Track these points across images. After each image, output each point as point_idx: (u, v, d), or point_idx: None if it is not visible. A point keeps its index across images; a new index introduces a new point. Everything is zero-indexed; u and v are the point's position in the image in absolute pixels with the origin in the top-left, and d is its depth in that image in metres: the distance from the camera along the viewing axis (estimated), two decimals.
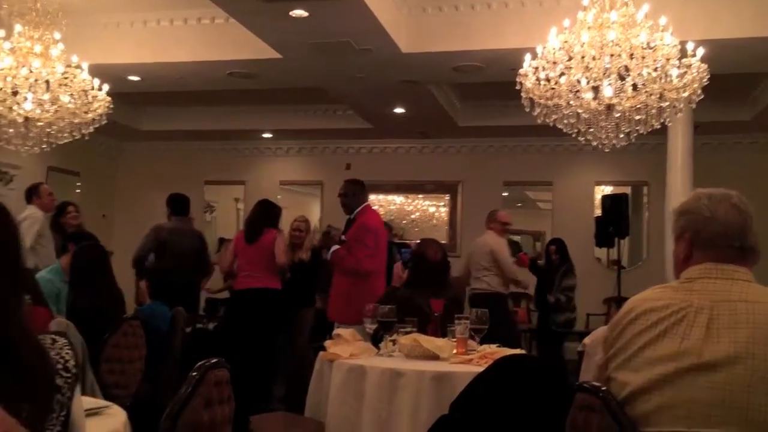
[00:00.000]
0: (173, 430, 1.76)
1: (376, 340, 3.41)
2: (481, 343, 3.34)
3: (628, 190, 9.27)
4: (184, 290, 5.44)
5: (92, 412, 1.87)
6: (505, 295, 6.38)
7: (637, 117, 4.35)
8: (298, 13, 5.21)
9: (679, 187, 6.36)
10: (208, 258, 6.43)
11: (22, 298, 1.23)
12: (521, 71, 4.42)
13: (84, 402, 1.32)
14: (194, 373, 1.85)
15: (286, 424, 3.33)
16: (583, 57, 4.15)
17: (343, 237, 4.88)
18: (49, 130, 5.37)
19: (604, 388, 1.74)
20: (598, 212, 8.84)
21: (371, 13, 5.26)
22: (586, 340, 3.36)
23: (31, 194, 5.94)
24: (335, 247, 4.84)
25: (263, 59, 6.34)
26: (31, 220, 5.68)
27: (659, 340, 1.68)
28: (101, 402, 2.19)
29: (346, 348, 3.23)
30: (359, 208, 4.96)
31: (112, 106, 5.52)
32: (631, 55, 4.09)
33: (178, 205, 6.18)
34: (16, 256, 1.26)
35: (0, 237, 1.22)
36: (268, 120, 9.59)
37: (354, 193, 4.98)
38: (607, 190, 9.41)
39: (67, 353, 1.22)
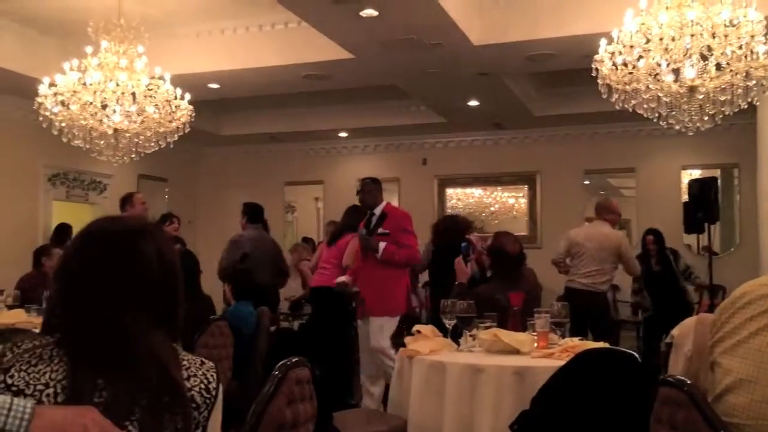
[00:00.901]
0: (258, 428, 1.81)
1: (455, 335, 3.41)
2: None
3: (716, 173, 8.86)
4: (265, 292, 5.59)
5: None
6: (606, 293, 6.04)
7: (723, 97, 4.17)
8: (368, 12, 5.25)
9: None
10: (285, 263, 6.59)
11: (166, 334, 1.25)
12: (597, 57, 4.31)
13: None
14: (276, 372, 1.90)
15: (369, 421, 3.36)
16: (661, 39, 4.01)
17: (382, 230, 4.96)
18: (136, 140, 5.61)
19: (689, 382, 1.68)
20: (685, 197, 8.50)
21: (441, 8, 5.24)
22: (675, 331, 3.22)
23: (125, 203, 6.19)
24: (383, 244, 4.89)
25: (336, 60, 6.42)
26: None
27: None
28: None
29: (425, 344, 3.24)
30: (382, 205, 5.19)
31: (194, 114, 5.73)
32: (713, 33, 3.93)
33: (254, 213, 6.39)
34: (163, 288, 1.27)
35: (147, 253, 1.25)
36: (343, 119, 9.68)
37: (371, 191, 5.23)
38: (695, 174, 9.03)
39: (211, 375, 1.28)
